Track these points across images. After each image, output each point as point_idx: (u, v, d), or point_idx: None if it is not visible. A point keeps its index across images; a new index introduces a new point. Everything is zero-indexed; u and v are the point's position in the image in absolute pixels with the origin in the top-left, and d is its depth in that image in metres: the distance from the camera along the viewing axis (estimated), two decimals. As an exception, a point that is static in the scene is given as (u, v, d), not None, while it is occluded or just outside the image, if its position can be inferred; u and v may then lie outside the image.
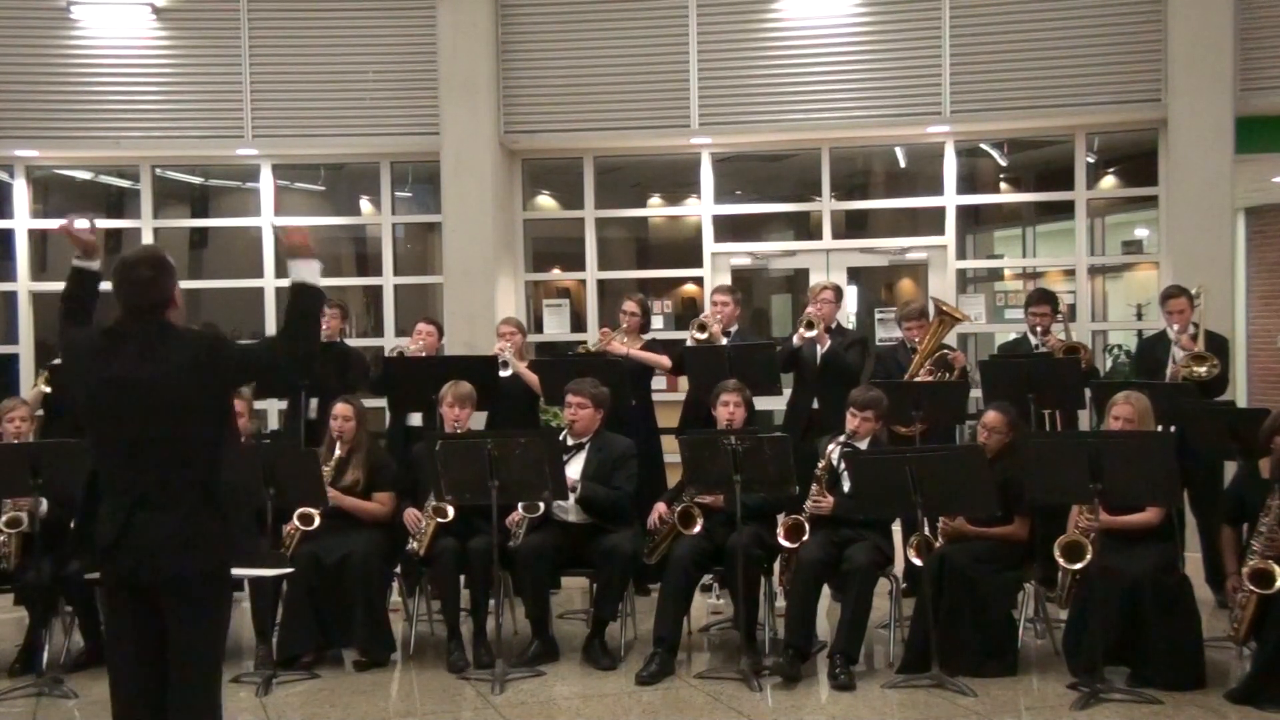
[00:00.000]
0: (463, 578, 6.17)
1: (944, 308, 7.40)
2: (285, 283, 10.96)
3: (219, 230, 10.79)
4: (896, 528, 6.56)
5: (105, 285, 3.79)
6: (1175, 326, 7.11)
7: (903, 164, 10.08)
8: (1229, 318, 8.51)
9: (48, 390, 7.08)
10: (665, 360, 7.57)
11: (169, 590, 3.51)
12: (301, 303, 3.68)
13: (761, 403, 7.25)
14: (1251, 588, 5.26)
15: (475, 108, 9.34)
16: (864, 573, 5.76)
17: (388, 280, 9.93)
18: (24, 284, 9.83)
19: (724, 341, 7.34)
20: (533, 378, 7.33)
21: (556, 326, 9.99)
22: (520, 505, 6.08)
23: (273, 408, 8.99)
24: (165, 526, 3.50)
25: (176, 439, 3.52)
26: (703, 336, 7.37)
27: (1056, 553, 5.55)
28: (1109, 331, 10.12)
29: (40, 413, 7.17)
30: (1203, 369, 6.88)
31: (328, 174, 10.69)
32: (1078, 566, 5.49)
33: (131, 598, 3.56)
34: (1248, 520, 5.57)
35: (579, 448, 6.32)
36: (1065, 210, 9.57)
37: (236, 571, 3.73)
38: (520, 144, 9.67)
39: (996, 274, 10.76)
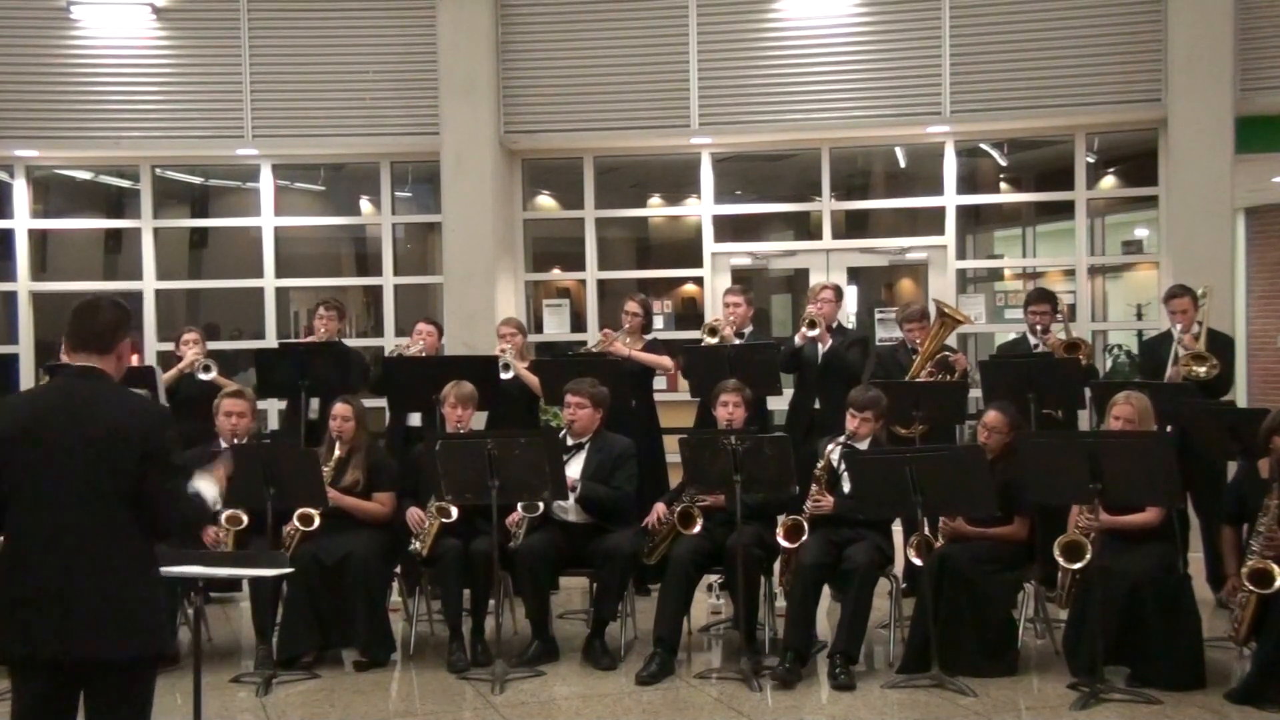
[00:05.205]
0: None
1: (946, 310, 7.39)
2: (285, 283, 10.82)
3: (219, 230, 10.79)
4: (896, 528, 6.56)
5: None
6: (1179, 326, 7.11)
7: (903, 164, 10.07)
8: (1229, 318, 8.51)
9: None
10: (666, 361, 7.57)
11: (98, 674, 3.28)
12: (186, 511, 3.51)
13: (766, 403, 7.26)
14: (1250, 587, 5.26)
15: (475, 108, 9.33)
16: (864, 573, 5.76)
17: (388, 280, 9.92)
18: (24, 284, 9.82)
19: (736, 342, 7.33)
20: (533, 379, 7.33)
21: (556, 327, 9.98)
22: (520, 505, 6.08)
23: (273, 408, 8.98)
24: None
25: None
26: (714, 341, 7.36)
27: (1056, 553, 5.54)
28: (1109, 331, 10.10)
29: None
30: (1202, 369, 6.87)
31: (328, 174, 10.69)
32: (1078, 566, 5.49)
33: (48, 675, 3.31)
34: (1248, 520, 5.57)
35: (579, 447, 6.32)
36: (1065, 210, 9.55)
37: (237, 571, 3.60)
38: (520, 144, 9.67)
39: (996, 274, 10.76)
